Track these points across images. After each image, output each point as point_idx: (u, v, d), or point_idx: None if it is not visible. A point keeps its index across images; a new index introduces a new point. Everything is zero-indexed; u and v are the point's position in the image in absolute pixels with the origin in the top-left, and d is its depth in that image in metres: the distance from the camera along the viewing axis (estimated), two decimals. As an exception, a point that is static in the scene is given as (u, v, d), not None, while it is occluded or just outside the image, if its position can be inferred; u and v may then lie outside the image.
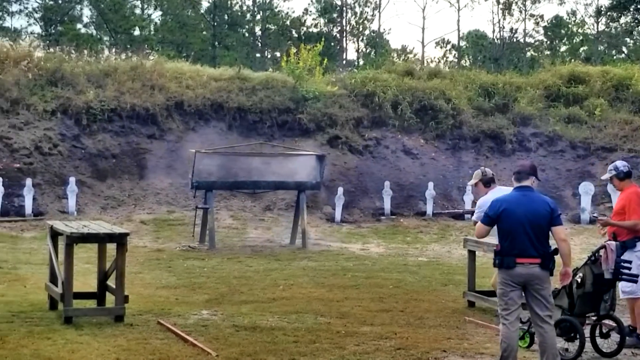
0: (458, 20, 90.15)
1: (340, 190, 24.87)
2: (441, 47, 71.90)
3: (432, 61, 67.08)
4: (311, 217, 23.21)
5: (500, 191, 11.22)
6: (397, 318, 11.94)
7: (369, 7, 69.99)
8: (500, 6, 68.25)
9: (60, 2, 63.61)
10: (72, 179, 23.42)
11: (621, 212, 10.55)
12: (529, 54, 68.80)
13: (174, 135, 26.76)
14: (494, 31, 72.75)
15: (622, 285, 10.42)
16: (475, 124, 29.66)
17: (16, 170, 23.72)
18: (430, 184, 26.00)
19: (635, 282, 10.08)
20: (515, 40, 69.48)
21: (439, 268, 17.73)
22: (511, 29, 69.27)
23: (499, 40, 68.96)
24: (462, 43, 71.20)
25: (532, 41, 70.72)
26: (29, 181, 22.91)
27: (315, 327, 11.13)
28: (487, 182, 11.86)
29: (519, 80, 32.61)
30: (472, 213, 12.54)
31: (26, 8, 63.75)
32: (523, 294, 8.70)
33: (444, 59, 70.60)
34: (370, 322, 11.62)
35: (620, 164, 10.83)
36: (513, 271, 8.57)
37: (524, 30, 69.56)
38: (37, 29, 63.57)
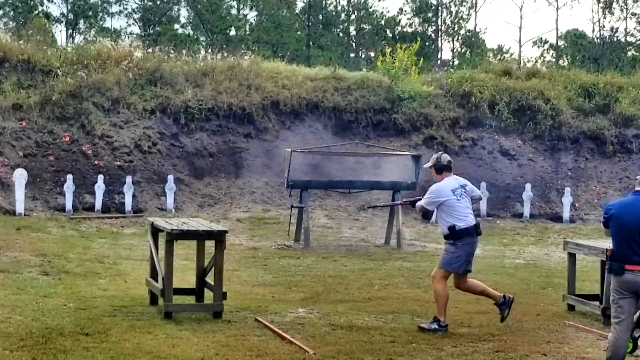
0: (556, 19, 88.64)
1: (436, 190, 24.68)
2: (538, 47, 70.87)
3: (529, 61, 66.16)
4: (406, 217, 23.12)
5: (456, 181, 11.32)
6: (494, 320, 11.80)
7: (464, 6, 69.43)
8: (601, 5, 66.90)
9: (158, 3, 64.56)
10: (170, 177, 23.77)
11: None
12: (630, 53, 67.31)
13: (269, 134, 26.94)
14: (593, 30, 71.52)
15: None
16: (575, 124, 29.21)
17: (117, 168, 24.16)
18: (528, 186, 25.70)
19: None
20: (616, 39, 68.07)
21: (537, 271, 17.52)
22: (612, 28, 67.85)
23: (598, 40, 67.62)
24: (561, 42, 70.06)
25: (634, 40, 69.21)
26: (129, 179, 23.32)
27: (411, 328, 11.11)
28: (440, 169, 11.39)
29: (620, 81, 31.98)
30: (412, 203, 12.21)
31: (125, 9, 64.92)
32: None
33: (542, 58, 69.58)
34: (467, 324, 11.55)
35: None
36: (622, 278, 8.33)
37: (625, 29, 68.13)
38: (136, 29, 64.70)
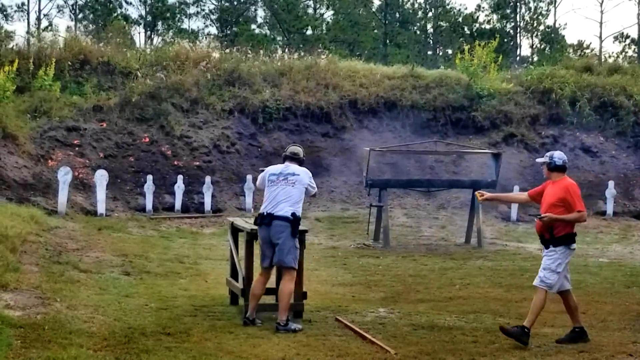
0: (638, 14, 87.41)
1: (516, 188, 24.41)
2: (620, 42, 69.65)
3: (610, 56, 65.07)
4: (486, 216, 22.90)
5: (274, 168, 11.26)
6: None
7: (543, 2, 68.58)
8: (684, -2, 65.60)
9: (235, 3, 64.99)
10: (249, 177, 23.86)
11: (559, 205, 10.17)
12: None
13: (347, 133, 26.91)
14: (676, 24, 69.96)
15: None
16: (659, 120, 28.70)
17: (195, 168, 24.34)
18: (611, 183, 25.25)
19: None
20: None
21: (621, 269, 17.18)
22: (696, 21, 66.45)
23: (681, 34, 66.26)
24: (643, 37, 68.75)
25: None
26: (208, 179, 23.46)
27: (494, 328, 10.93)
28: (283, 158, 11.46)
29: None
30: None
31: (203, 10, 65.49)
32: None
33: (623, 53, 68.37)
34: (550, 323, 11.35)
35: (558, 154, 10.42)
36: None
37: None
38: (213, 30, 65.21)
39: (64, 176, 21.42)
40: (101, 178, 22.23)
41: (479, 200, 11.06)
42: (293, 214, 10.69)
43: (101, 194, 22.08)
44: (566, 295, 10.28)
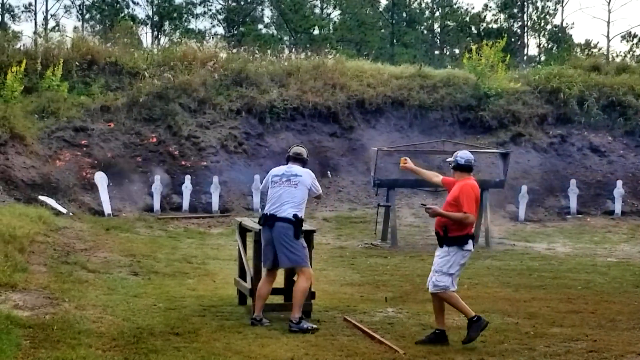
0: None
1: (524, 188, 24.41)
2: (627, 41, 69.50)
3: (617, 55, 64.92)
4: (494, 215, 22.86)
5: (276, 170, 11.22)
6: (587, 320, 11.59)
7: (550, 1, 68.48)
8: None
9: (242, 3, 65.00)
10: (256, 177, 23.83)
11: (453, 204, 10.01)
12: None
13: (355, 133, 26.90)
14: (684, 23, 69.82)
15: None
16: (667, 120, 28.64)
17: (203, 168, 24.35)
18: (619, 182, 25.20)
19: None
20: None
21: (630, 269, 17.14)
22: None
23: (689, 33, 66.12)
24: (651, 36, 68.61)
25: None
26: (215, 179, 23.46)
27: (502, 328, 10.93)
28: (286, 159, 11.45)
29: None
30: None
31: (210, 10, 65.49)
32: None
33: (631, 53, 68.21)
34: (559, 323, 11.32)
35: (461, 154, 10.25)
36: None
37: None
38: (220, 30, 65.21)
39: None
40: (101, 179, 22.30)
41: (402, 166, 10.97)
42: (295, 215, 10.67)
43: (104, 195, 22.11)
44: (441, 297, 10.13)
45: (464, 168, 10.12)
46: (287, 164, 11.29)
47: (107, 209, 21.86)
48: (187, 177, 23.44)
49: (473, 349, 9.69)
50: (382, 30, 66.39)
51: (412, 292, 13.93)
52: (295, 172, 11.04)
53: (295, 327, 10.45)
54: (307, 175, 11.06)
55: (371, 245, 20.13)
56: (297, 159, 11.27)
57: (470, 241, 9.99)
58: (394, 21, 65.34)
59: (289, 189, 10.87)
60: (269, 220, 10.81)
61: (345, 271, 16.26)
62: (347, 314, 11.51)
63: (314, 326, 10.27)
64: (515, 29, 68.16)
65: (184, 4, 63.85)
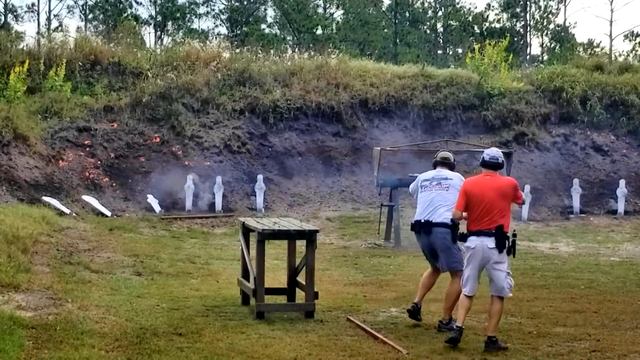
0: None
1: (527, 188, 24.37)
2: (630, 40, 69.41)
3: (620, 55, 64.86)
4: (497, 215, 22.80)
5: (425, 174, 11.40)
6: (590, 319, 11.60)
7: (553, 0, 68.44)
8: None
9: (245, 3, 64.98)
10: (260, 177, 23.86)
11: None
12: None
13: (358, 133, 26.89)
14: (687, 22, 69.70)
15: None
16: (670, 119, 28.60)
17: (206, 168, 24.35)
18: (622, 182, 25.15)
19: None
20: None
21: (633, 268, 17.12)
22: None
23: (692, 32, 65.99)
24: (654, 36, 68.49)
25: None
26: (218, 179, 23.46)
27: (506, 327, 10.94)
28: (433, 164, 11.61)
29: None
30: None
31: (213, 10, 65.45)
32: None
33: (634, 52, 68.13)
34: (562, 323, 11.34)
35: (488, 151, 10.29)
36: None
37: None
38: (223, 30, 65.19)
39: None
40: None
41: None
42: (452, 220, 10.60)
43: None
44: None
45: (487, 165, 10.18)
46: (434, 168, 11.45)
47: (105, 210, 21.83)
48: (190, 177, 23.45)
49: (476, 349, 9.72)
50: (385, 30, 66.33)
51: (415, 292, 13.87)
52: (446, 175, 11.21)
53: (444, 327, 10.66)
54: (457, 179, 11.19)
55: (375, 245, 20.13)
56: (445, 164, 11.47)
57: (468, 238, 10.03)
58: (397, 21, 65.28)
59: (441, 192, 10.99)
60: (424, 227, 10.98)
61: (348, 271, 16.26)
62: (350, 314, 11.52)
63: (459, 326, 10.13)
64: (517, 29, 68.08)
65: (187, 3, 63.81)
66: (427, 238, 11.00)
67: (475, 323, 11.19)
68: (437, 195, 10.94)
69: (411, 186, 11.67)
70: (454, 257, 10.78)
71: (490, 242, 9.80)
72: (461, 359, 9.31)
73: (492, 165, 10.08)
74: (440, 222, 10.78)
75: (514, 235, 9.97)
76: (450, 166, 11.42)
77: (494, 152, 10.24)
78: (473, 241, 9.92)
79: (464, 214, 10.04)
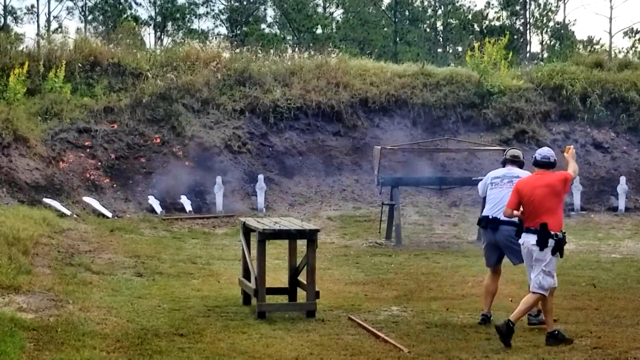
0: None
1: (528, 185, 24.34)
2: (630, 37, 69.40)
3: (620, 52, 64.84)
4: (498, 213, 22.80)
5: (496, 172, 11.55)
6: (591, 316, 11.60)
7: (553, -2, 68.46)
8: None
9: (245, 3, 64.99)
10: (260, 177, 23.86)
11: None
12: None
13: (358, 132, 26.88)
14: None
15: None
16: (670, 116, 28.59)
17: (207, 168, 24.34)
18: (623, 179, 25.13)
19: None
20: None
21: (634, 265, 17.11)
22: None
23: (693, 28, 65.93)
24: (653, 32, 68.47)
25: None
26: (219, 179, 23.46)
27: (507, 325, 10.93)
28: (502, 162, 11.75)
29: None
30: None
31: (212, 10, 65.45)
32: None
33: (633, 49, 68.11)
34: (563, 320, 11.32)
35: (540, 151, 10.60)
36: None
37: None
38: (223, 30, 65.19)
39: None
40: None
41: (566, 153, 10.80)
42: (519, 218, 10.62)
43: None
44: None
45: (539, 164, 10.38)
46: (504, 167, 11.56)
47: (106, 212, 21.82)
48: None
49: (477, 347, 9.71)
50: (385, 29, 66.31)
51: (416, 290, 13.93)
52: (517, 173, 11.25)
53: (534, 319, 10.79)
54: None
55: (376, 244, 20.12)
56: (515, 162, 11.60)
57: (521, 235, 10.23)
58: (396, 19, 65.26)
59: (511, 190, 10.89)
60: (491, 223, 11.07)
61: (349, 270, 16.25)
62: (351, 313, 11.52)
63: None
64: (517, 26, 68.06)
65: (187, 4, 63.80)
66: (493, 234, 11.10)
67: (476, 321, 11.18)
68: (507, 193, 10.87)
69: (480, 185, 11.80)
70: (519, 252, 10.73)
71: (532, 239, 9.98)
72: (462, 357, 9.29)
73: (544, 165, 10.32)
74: (507, 220, 10.79)
75: (563, 234, 10.09)
76: (520, 164, 11.56)
77: (545, 151, 10.47)
78: (522, 238, 10.16)
79: (516, 212, 10.20)
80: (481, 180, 12.04)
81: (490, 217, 11.09)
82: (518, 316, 10.01)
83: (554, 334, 9.91)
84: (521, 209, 10.20)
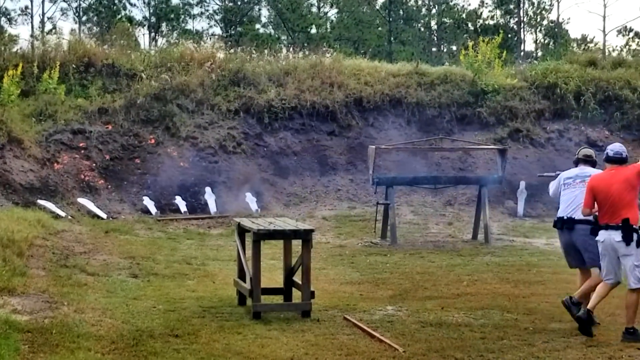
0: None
1: (523, 184, 24.42)
2: (623, 35, 69.48)
3: (614, 50, 64.89)
4: (493, 211, 22.85)
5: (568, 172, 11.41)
6: (587, 315, 11.60)
7: (547, -4, 68.52)
8: (687, -10, 65.39)
9: (239, 3, 64.98)
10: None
11: None
12: None
13: (353, 131, 26.87)
14: (680, 16, 69.79)
15: None
16: (663, 113, 28.62)
17: (202, 169, 24.33)
18: (614, 177, 25.14)
19: None
20: (703, 24, 66.35)
21: (629, 263, 17.11)
22: (699, 13, 66.26)
23: (685, 26, 66.02)
24: (646, 30, 68.64)
25: None
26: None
27: (502, 324, 10.97)
28: (575, 162, 11.64)
29: None
30: None
31: (207, 10, 65.48)
32: None
33: (627, 47, 68.18)
34: (558, 318, 11.36)
35: (611, 147, 10.72)
36: None
37: None
38: (217, 30, 65.19)
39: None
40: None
41: None
42: (595, 217, 10.59)
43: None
44: None
45: (611, 160, 10.48)
46: (576, 166, 11.48)
47: (101, 213, 21.79)
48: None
49: (472, 346, 9.73)
50: (380, 28, 66.31)
51: (411, 289, 13.94)
52: (590, 173, 11.16)
53: (583, 315, 10.60)
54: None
55: (371, 244, 20.13)
56: (587, 161, 11.53)
57: (598, 232, 10.29)
58: (391, 19, 65.25)
59: (584, 189, 10.87)
60: (567, 224, 11.02)
61: (345, 270, 16.26)
62: (347, 313, 11.53)
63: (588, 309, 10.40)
64: (511, 25, 68.10)
65: (181, 4, 63.82)
66: (569, 235, 11.07)
67: (471, 320, 11.20)
68: (581, 193, 10.87)
69: (551, 186, 11.71)
70: (595, 254, 10.69)
71: (617, 235, 10.03)
72: (457, 356, 9.31)
73: (617, 160, 10.42)
74: (583, 220, 10.76)
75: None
76: (593, 163, 11.49)
77: (617, 147, 10.57)
78: (602, 235, 10.21)
79: (594, 209, 10.30)
80: (548, 176, 12.02)
81: (565, 217, 11.06)
82: (629, 319, 10.19)
83: (631, 331, 10.10)
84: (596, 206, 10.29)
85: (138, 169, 24.06)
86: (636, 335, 9.93)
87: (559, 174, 11.67)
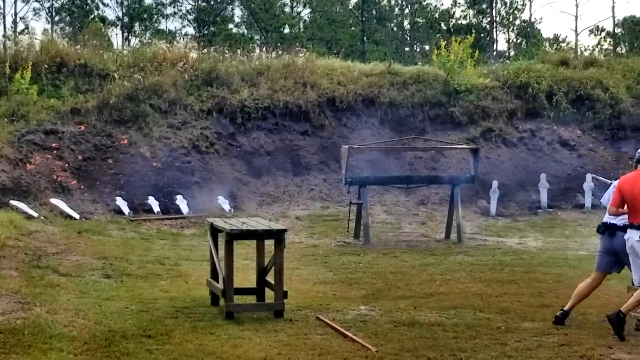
0: (613, 7, 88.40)
1: (495, 183, 24.52)
2: (595, 35, 70.00)
3: (585, 49, 65.36)
4: (466, 211, 22.96)
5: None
6: (559, 314, 11.69)
7: (519, -4, 68.90)
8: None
9: (212, 3, 64.91)
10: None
11: None
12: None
13: (326, 131, 26.90)
14: (651, 17, 70.27)
15: None
16: (635, 113, 28.78)
17: (175, 169, 24.27)
18: (589, 176, 25.31)
19: None
20: (674, 25, 66.91)
21: (600, 262, 17.23)
22: (670, 14, 66.78)
23: (657, 26, 66.53)
24: (618, 30, 69.12)
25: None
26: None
27: (474, 323, 11.01)
28: (636, 161, 11.21)
29: (680, 67, 31.44)
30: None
31: (180, 10, 65.40)
32: None
33: (599, 47, 68.69)
34: (531, 317, 11.43)
35: None
36: None
37: (684, 14, 66.99)
38: (190, 30, 65.12)
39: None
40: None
41: None
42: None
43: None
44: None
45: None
46: (635, 168, 11.00)
47: (74, 213, 21.70)
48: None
49: (445, 345, 9.77)
50: (353, 28, 66.53)
51: (384, 289, 13.98)
52: None
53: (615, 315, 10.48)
54: None
55: (344, 243, 20.16)
56: None
57: (629, 230, 10.37)
58: (364, 19, 65.43)
59: None
60: (609, 229, 10.96)
61: (318, 269, 16.27)
62: (320, 313, 11.54)
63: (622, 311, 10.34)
64: (484, 25, 68.45)
65: (154, 4, 63.71)
66: (610, 241, 10.96)
67: (444, 319, 11.25)
68: None
69: (605, 196, 11.73)
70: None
71: (636, 235, 10.16)
72: (430, 356, 9.34)
73: None
74: (625, 226, 10.65)
75: None
76: None
77: None
78: (627, 234, 10.35)
79: (621, 209, 10.42)
80: (601, 180, 11.97)
81: (609, 223, 10.99)
82: (629, 308, 10.24)
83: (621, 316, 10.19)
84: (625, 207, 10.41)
85: (111, 169, 23.97)
86: (619, 322, 9.95)
87: (612, 184, 11.58)
